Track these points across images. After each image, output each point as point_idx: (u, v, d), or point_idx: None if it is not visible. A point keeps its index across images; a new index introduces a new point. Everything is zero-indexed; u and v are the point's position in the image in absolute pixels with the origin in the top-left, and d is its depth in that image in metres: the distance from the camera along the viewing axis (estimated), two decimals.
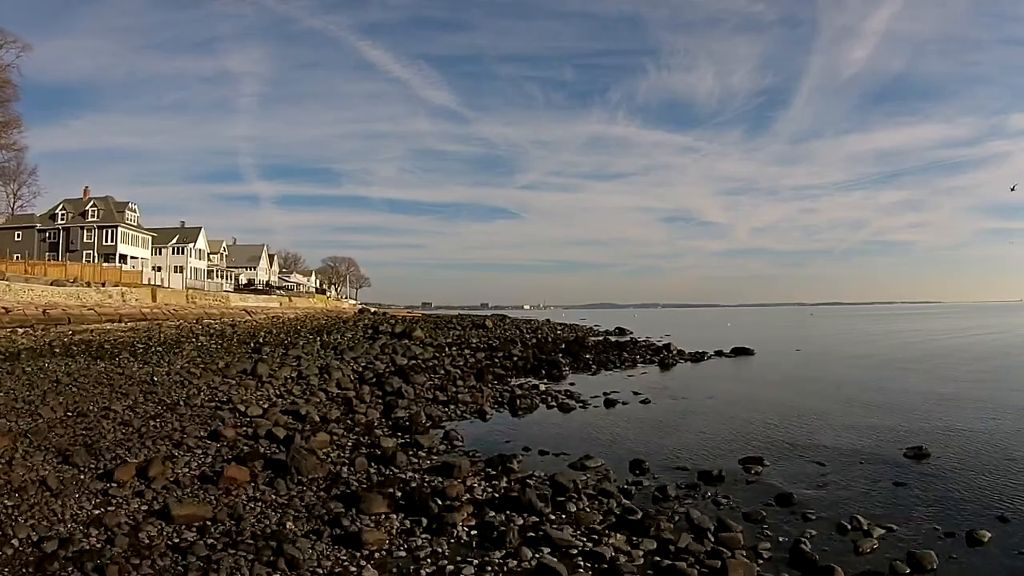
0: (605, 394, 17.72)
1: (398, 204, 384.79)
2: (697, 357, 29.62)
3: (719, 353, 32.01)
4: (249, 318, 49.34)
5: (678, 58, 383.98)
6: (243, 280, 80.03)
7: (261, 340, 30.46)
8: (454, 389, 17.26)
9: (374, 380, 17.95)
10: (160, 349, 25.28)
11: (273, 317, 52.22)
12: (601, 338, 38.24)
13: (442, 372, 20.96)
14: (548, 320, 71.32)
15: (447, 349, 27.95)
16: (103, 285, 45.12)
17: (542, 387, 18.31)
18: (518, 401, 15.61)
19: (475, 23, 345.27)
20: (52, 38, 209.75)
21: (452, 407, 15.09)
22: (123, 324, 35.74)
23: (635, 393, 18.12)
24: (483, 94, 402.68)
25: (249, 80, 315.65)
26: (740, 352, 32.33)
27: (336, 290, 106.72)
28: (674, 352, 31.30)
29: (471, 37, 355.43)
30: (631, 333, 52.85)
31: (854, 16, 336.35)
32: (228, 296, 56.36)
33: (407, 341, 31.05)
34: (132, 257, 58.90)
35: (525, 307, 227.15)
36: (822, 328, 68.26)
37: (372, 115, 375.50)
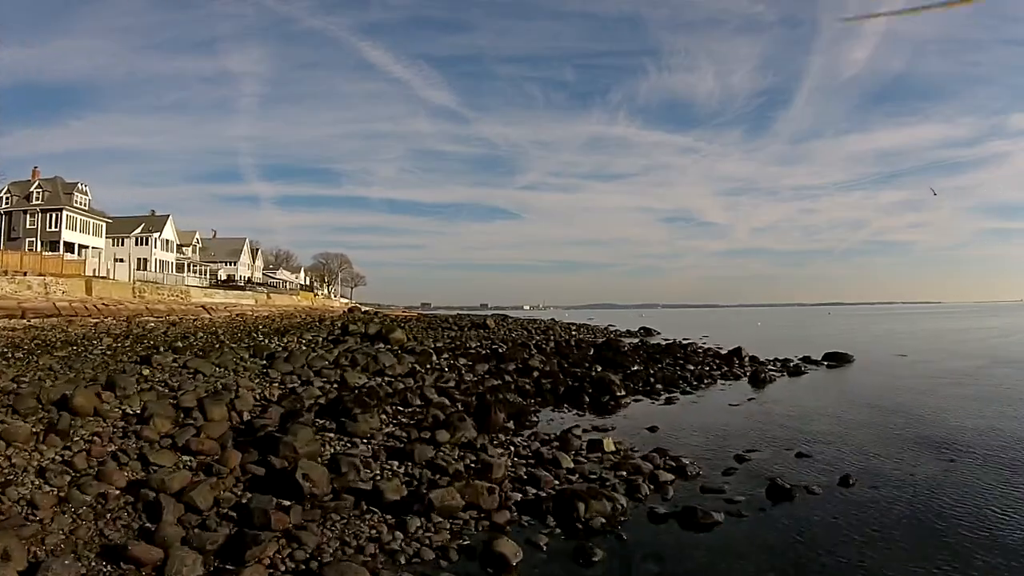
0: (741, 460, 8.32)
1: (398, 204, 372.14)
2: (792, 368, 20.26)
3: (807, 360, 22.82)
4: (206, 316, 39.92)
5: (678, 58, 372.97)
6: (222, 275, 70.38)
7: (182, 344, 21.28)
8: (430, 455, 7.78)
9: (265, 435, 8.42)
10: (21, 355, 16.50)
11: (238, 315, 42.73)
12: (637, 340, 28.57)
13: (417, 403, 11.51)
14: (554, 320, 61.46)
15: (435, 358, 18.51)
16: (24, 274, 35.95)
17: (608, 443, 8.75)
18: (582, 507, 6.03)
19: (475, 23, 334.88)
20: (52, 38, 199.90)
21: (417, 530, 5.59)
22: (23, 320, 26.58)
23: (798, 456, 8.69)
24: (483, 94, 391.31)
25: (249, 80, 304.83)
26: (837, 359, 23.00)
27: (328, 288, 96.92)
28: (745, 359, 21.98)
29: (471, 37, 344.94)
30: (659, 334, 43.46)
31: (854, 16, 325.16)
32: (188, 291, 46.77)
33: (381, 346, 21.64)
34: (82, 245, 49.35)
35: (525, 307, 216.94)
36: (865, 327, 58.22)
37: (372, 115, 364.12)
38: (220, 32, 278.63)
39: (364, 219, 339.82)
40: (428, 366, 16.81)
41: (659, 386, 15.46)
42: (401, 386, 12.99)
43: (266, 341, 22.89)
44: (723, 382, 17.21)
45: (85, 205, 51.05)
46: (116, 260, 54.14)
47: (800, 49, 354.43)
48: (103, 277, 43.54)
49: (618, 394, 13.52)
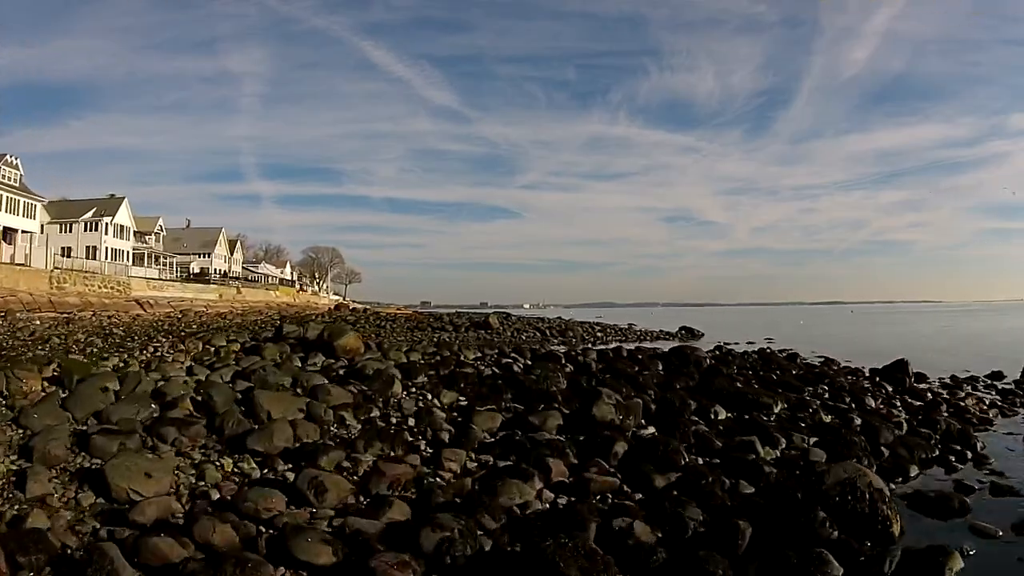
0: None
1: (398, 204, 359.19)
2: None
3: (998, 376, 14.18)
4: (137, 312, 30.72)
5: (679, 58, 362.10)
6: (195, 268, 61.00)
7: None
8: None
9: None
10: None
11: (182, 312, 33.53)
12: (712, 351, 18.93)
13: None
14: (561, 319, 51.23)
15: (398, 388, 9.29)
16: None
17: None
18: None
19: (476, 23, 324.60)
20: (52, 38, 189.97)
21: None
22: None
23: None
24: (484, 94, 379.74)
25: (250, 80, 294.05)
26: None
27: (318, 284, 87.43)
28: (911, 379, 12.93)
29: (472, 37, 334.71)
30: (702, 335, 34.27)
31: (855, 16, 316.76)
32: (129, 283, 37.53)
33: (321, 358, 12.46)
34: (8, 228, 39.89)
35: (525, 306, 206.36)
36: (910, 326, 48.80)
37: (373, 115, 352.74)
38: (220, 32, 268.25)
39: (365, 218, 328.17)
40: (375, 412, 7.60)
41: (904, 454, 6.34)
42: (243, 531, 3.76)
43: (135, 353, 13.64)
44: (977, 433, 8.14)
45: (14, 181, 41.41)
46: (63, 249, 44.82)
47: (800, 49, 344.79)
48: (20, 264, 34.25)
49: (892, 525, 4.40)
